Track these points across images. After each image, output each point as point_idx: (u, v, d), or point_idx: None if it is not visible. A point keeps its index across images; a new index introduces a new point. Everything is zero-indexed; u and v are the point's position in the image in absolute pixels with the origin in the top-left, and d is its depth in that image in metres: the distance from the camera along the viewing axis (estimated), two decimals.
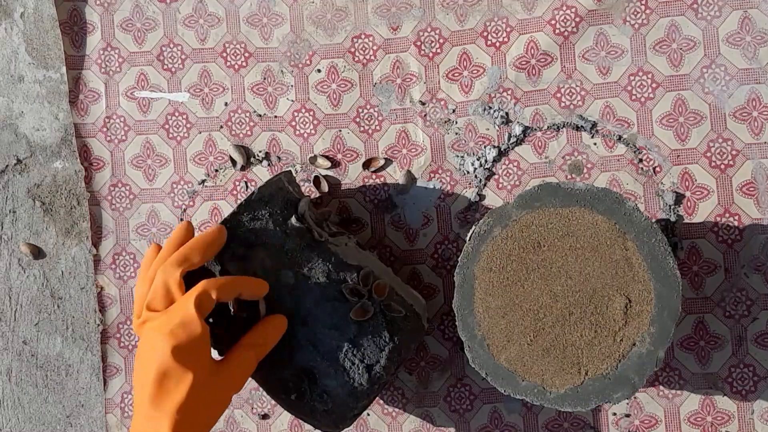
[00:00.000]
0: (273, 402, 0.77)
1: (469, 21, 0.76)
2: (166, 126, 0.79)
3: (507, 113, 0.76)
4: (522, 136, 0.75)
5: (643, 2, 0.74)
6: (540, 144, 0.75)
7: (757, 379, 0.72)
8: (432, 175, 0.77)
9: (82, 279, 0.80)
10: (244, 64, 0.79)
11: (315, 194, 0.77)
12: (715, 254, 0.73)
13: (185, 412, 0.59)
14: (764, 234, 0.72)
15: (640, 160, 0.74)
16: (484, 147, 0.76)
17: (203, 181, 0.79)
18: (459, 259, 0.67)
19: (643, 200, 0.74)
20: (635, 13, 0.74)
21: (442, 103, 0.76)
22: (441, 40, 0.77)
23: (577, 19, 0.74)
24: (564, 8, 0.74)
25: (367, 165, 0.77)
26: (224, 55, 0.79)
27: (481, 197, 0.76)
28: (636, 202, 0.74)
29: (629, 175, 0.74)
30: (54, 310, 0.81)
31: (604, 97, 0.75)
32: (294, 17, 0.78)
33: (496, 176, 0.76)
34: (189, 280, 0.63)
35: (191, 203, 0.79)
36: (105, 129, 0.80)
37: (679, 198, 0.73)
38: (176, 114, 0.79)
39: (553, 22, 0.75)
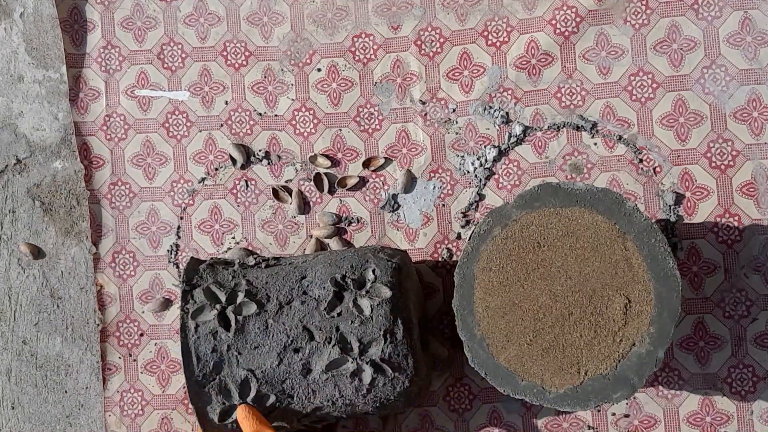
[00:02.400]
0: None
1: (469, 20, 0.76)
2: (166, 124, 0.79)
3: (507, 113, 0.76)
4: (522, 135, 0.75)
5: (644, 2, 0.74)
6: (540, 144, 0.75)
7: (757, 379, 0.72)
8: (432, 174, 0.77)
9: (81, 279, 0.80)
10: (244, 62, 0.79)
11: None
12: (714, 255, 0.73)
13: None
14: (764, 234, 0.72)
15: (641, 161, 0.74)
16: (484, 147, 0.76)
17: (203, 180, 0.79)
18: (459, 258, 0.67)
19: (643, 200, 0.74)
20: (636, 13, 0.74)
21: (443, 102, 0.76)
22: (441, 40, 0.76)
23: (578, 19, 0.74)
24: (565, 8, 0.74)
25: (367, 164, 0.77)
26: (224, 53, 0.79)
27: (481, 197, 0.76)
28: (636, 202, 0.74)
29: (629, 176, 0.74)
30: (54, 310, 0.81)
31: (605, 97, 0.74)
32: (294, 16, 0.78)
33: (496, 176, 0.76)
34: None
35: (191, 202, 0.79)
36: (105, 127, 0.80)
37: (679, 198, 0.73)
38: (176, 112, 0.79)
39: (553, 22, 0.74)
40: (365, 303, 0.66)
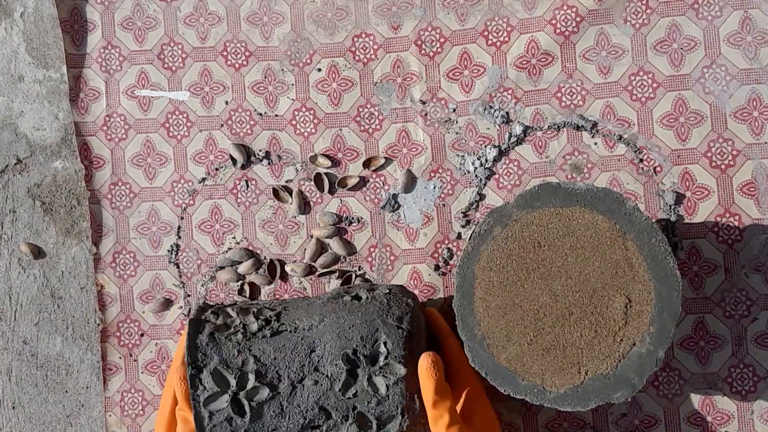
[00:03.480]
0: None
1: (469, 20, 0.76)
2: (167, 124, 0.79)
3: (507, 113, 0.76)
4: (522, 135, 0.75)
5: (644, 2, 0.74)
6: (540, 143, 0.75)
7: (757, 379, 0.72)
8: (432, 174, 0.77)
9: (82, 279, 0.80)
10: (244, 62, 0.79)
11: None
12: (715, 254, 0.73)
13: None
14: (764, 234, 0.72)
15: (641, 160, 0.74)
16: (485, 146, 0.76)
17: (203, 180, 0.79)
18: (459, 258, 0.67)
19: (644, 200, 0.74)
20: (636, 12, 0.74)
21: (443, 102, 0.76)
22: (441, 40, 0.76)
23: (578, 19, 0.74)
24: (565, 8, 0.74)
25: (367, 164, 0.77)
26: (225, 53, 0.79)
27: (482, 197, 0.76)
28: (636, 202, 0.74)
29: (629, 175, 0.74)
30: (54, 310, 0.81)
31: (605, 97, 0.75)
32: (295, 16, 0.78)
33: (496, 176, 0.76)
34: None
35: (191, 202, 0.79)
36: (105, 127, 0.80)
37: (679, 198, 0.73)
38: (177, 113, 0.79)
39: (553, 21, 0.75)
40: (380, 381, 0.65)
